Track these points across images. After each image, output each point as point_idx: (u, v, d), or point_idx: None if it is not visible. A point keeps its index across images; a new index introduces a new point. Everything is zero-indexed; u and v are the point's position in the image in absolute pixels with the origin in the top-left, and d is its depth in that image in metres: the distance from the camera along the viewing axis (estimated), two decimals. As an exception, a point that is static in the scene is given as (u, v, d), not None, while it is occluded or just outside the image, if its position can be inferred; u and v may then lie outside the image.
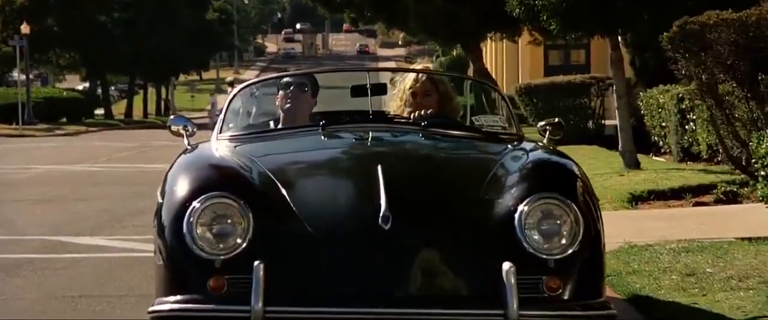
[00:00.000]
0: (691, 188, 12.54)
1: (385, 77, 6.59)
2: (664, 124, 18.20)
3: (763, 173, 9.05)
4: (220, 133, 5.97)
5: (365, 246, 4.65)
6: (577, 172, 5.18)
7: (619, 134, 16.50)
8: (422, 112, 6.06)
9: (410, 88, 6.14)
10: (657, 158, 18.88)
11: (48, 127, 45.22)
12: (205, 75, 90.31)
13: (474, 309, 4.57)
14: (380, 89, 6.19)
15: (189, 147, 5.82)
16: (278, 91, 6.28)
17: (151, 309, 4.79)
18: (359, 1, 33.16)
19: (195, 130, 6.28)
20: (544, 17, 15.98)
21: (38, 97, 51.64)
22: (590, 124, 24.42)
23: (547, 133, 6.29)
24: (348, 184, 5.21)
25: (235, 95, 6.32)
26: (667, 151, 18.63)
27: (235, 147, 5.63)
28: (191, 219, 4.69)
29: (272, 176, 4.99)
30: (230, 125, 6.09)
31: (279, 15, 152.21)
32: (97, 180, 18.08)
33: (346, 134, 5.85)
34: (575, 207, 4.75)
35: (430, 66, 7.01)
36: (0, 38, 54.60)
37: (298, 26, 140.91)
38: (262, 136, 5.97)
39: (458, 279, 4.67)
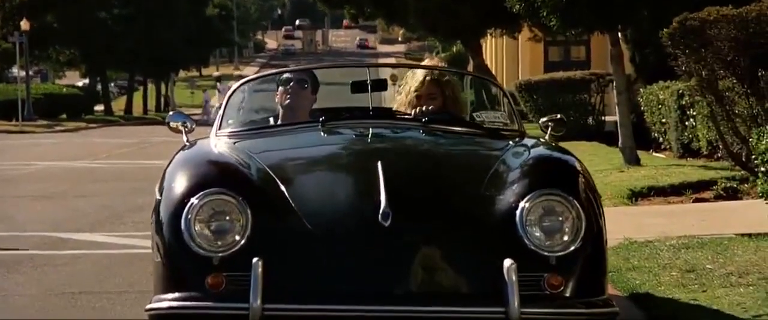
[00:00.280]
0: (691, 184, 12.53)
1: (385, 73, 6.57)
2: (664, 120, 18.18)
3: (763, 169, 9.04)
4: (219, 129, 5.96)
5: (365, 243, 4.63)
6: (579, 168, 5.16)
7: (619, 130, 16.49)
8: (423, 108, 6.03)
9: (415, 91, 6.11)
10: (657, 154, 18.87)
11: (48, 124, 45.20)
12: (205, 71, 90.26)
13: (475, 307, 4.55)
14: (380, 85, 6.17)
15: (187, 143, 5.81)
16: (278, 88, 6.27)
17: (148, 306, 4.77)
18: (359, -3, 33.18)
19: (194, 126, 6.26)
20: (544, 13, 15.97)
21: (38, 94, 51.61)
22: (590, 120, 24.42)
23: (549, 129, 6.27)
24: (348, 181, 5.20)
25: (234, 91, 6.30)
26: (667, 147, 18.62)
27: (234, 143, 5.61)
28: (189, 215, 4.68)
29: (271, 173, 4.98)
30: (229, 121, 6.07)
31: (279, 11, 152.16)
32: (96, 177, 18.07)
33: (346, 130, 5.83)
34: (577, 204, 4.73)
35: (442, 63, 6.98)
36: (0, 34, 54.56)
37: (297, 22, 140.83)
38: (262, 133, 5.96)
39: (459, 276, 4.65)
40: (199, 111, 55.05)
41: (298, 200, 4.77)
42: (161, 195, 4.93)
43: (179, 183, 4.88)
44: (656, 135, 19.02)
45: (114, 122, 53.91)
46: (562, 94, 24.47)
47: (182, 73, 79.88)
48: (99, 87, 66.00)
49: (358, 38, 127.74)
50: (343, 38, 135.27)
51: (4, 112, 45.62)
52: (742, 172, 12.53)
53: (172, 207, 4.77)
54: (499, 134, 5.93)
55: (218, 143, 5.67)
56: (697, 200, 11.82)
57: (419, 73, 6.21)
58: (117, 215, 12.27)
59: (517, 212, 4.70)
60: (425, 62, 6.63)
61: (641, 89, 19.87)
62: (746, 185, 11.94)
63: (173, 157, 5.33)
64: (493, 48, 45.12)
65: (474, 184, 4.95)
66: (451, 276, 4.66)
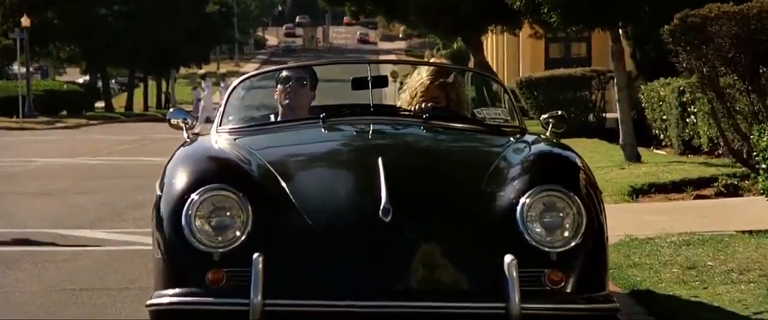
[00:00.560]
0: (692, 181, 12.53)
1: (385, 70, 6.57)
2: (665, 116, 18.18)
3: (763, 166, 9.04)
4: (220, 125, 5.96)
5: (365, 239, 4.63)
6: (580, 164, 5.16)
7: (619, 127, 16.48)
8: (423, 105, 6.03)
9: (421, 95, 6.10)
10: (658, 151, 18.87)
11: (48, 120, 45.19)
12: (206, 68, 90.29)
13: (475, 303, 4.55)
14: (381, 82, 6.17)
15: (188, 139, 5.80)
16: (277, 85, 6.26)
17: (149, 302, 4.77)
18: (360, -7, 33.17)
19: (194, 122, 6.26)
20: (545, 10, 15.97)
21: (38, 90, 51.61)
22: (591, 117, 24.42)
23: (550, 125, 6.27)
24: (348, 177, 5.19)
25: (234, 88, 6.30)
26: (668, 144, 18.62)
27: (235, 139, 5.61)
28: (190, 211, 4.68)
29: (271, 169, 4.97)
30: (230, 118, 6.07)
31: (279, 8, 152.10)
32: (97, 173, 18.07)
33: (347, 127, 5.83)
34: (578, 200, 4.72)
35: (443, 60, 6.98)
36: (0, 31, 54.54)
37: (297, 20, 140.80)
38: (262, 129, 5.95)
39: (459, 272, 4.65)
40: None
41: (298, 196, 4.77)
42: (162, 192, 4.93)
43: (180, 180, 4.88)
44: (657, 132, 19.02)
45: (114, 119, 53.92)
46: (563, 91, 24.47)
47: (183, 70, 79.87)
48: (99, 84, 66.00)
49: (358, 33, 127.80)
50: (343, 35, 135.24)
51: (4, 109, 45.62)
52: (743, 169, 12.53)
53: (173, 203, 4.77)
54: (499, 131, 5.93)
55: (219, 139, 5.67)
56: (697, 197, 11.82)
57: (424, 75, 6.20)
58: (117, 212, 12.26)
59: (518, 208, 4.70)
60: (426, 59, 6.62)
61: (642, 86, 19.87)
62: (747, 182, 11.94)
63: (174, 154, 5.33)
64: (493, 45, 45.12)
65: (475, 180, 4.94)
66: (451, 272, 4.65)
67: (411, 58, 40.02)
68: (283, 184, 4.84)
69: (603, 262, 4.86)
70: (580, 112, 24.02)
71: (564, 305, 4.62)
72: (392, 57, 77.97)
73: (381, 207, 4.59)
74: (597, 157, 16.62)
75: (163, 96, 71.85)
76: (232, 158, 5.15)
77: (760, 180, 9.35)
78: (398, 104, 6.29)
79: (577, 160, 5.21)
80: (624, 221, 9.41)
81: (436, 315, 4.53)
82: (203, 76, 37.13)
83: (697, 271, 7.20)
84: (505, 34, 33.88)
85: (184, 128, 6.16)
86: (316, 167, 5.39)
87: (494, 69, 38.23)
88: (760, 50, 11.49)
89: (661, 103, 18.25)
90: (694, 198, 11.76)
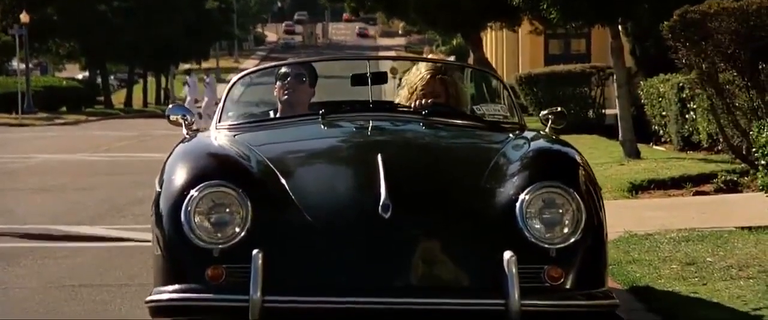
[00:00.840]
0: (692, 177, 12.53)
1: (385, 66, 6.56)
2: (664, 113, 18.18)
3: (763, 162, 9.04)
4: (219, 122, 5.96)
5: (365, 235, 4.63)
6: (580, 161, 5.16)
7: (619, 123, 16.48)
8: (423, 102, 6.03)
9: (421, 89, 6.10)
10: (657, 147, 18.87)
11: (47, 116, 45.17)
12: (205, 64, 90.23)
13: (475, 299, 4.55)
14: (380, 78, 6.17)
15: (187, 136, 5.80)
16: (276, 82, 6.26)
17: (148, 298, 4.77)
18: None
19: (194, 119, 6.26)
20: (544, 6, 15.96)
21: (38, 86, 51.59)
22: (590, 113, 24.41)
23: (550, 122, 6.27)
24: (347, 173, 5.19)
25: (233, 84, 6.30)
26: (668, 140, 18.62)
27: (234, 136, 5.61)
28: (189, 207, 4.68)
29: (271, 165, 4.97)
30: (229, 114, 6.07)
31: (279, 4, 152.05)
32: (96, 170, 18.07)
33: (346, 123, 5.83)
34: (577, 196, 4.73)
35: (443, 56, 6.98)
36: (0, 27, 54.52)
37: (296, 17, 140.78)
38: (261, 125, 5.95)
39: (459, 268, 4.65)
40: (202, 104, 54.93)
41: (298, 192, 4.77)
42: (161, 188, 4.93)
43: (179, 176, 4.88)
44: (656, 128, 19.02)
45: (114, 115, 53.90)
46: (563, 87, 24.46)
47: (182, 66, 79.86)
48: (99, 80, 65.98)
49: (357, 27, 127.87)
50: (343, 31, 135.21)
51: (4, 105, 45.57)
52: (743, 165, 12.53)
53: (172, 200, 4.77)
54: (499, 127, 5.93)
55: (218, 136, 5.67)
56: (697, 193, 11.82)
57: (423, 70, 6.20)
58: (117, 208, 12.27)
59: (517, 204, 4.70)
60: (425, 55, 6.61)
61: (641, 82, 19.87)
62: (746, 178, 11.94)
63: (173, 150, 5.33)
64: (493, 41, 45.11)
65: (474, 177, 4.94)
66: (451, 269, 4.65)
67: (410, 55, 40.05)
68: (283, 181, 4.84)
69: (602, 259, 4.86)
70: (579, 109, 24.02)
71: (563, 301, 4.62)
72: (392, 53, 77.95)
73: (380, 203, 4.59)
74: (596, 153, 16.62)
75: (162, 92, 71.82)
76: (232, 154, 5.15)
77: (760, 176, 9.35)
78: (396, 101, 6.29)
79: (577, 157, 5.21)
80: (623, 217, 9.41)
81: (436, 311, 4.53)
82: (188, 71, 36.82)
83: (696, 267, 7.20)
84: (504, 30, 33.85)
85: (183, 124, 6.16)
86: (315, 163, 5.39)
87: (494, 65, 38.21)
88: (760, 46, 11.49)
89: (660, 99, 18.25)
90: (693, 195, 11.77)
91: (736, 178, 12.02)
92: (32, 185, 15.25)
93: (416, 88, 6.11)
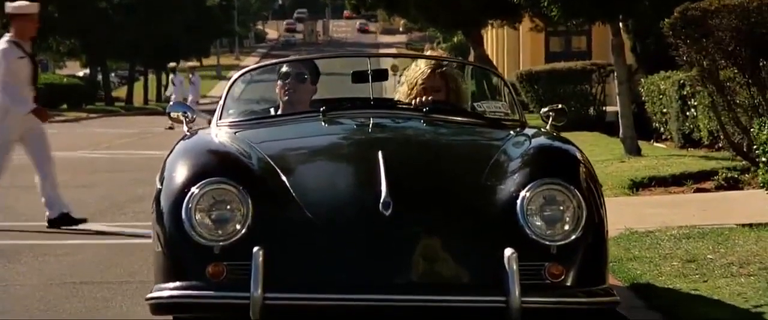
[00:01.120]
0: (692, 174, 12.53)
1: (386, 63, 6.56)
2: (665, 110, 18.18)
3: (764, 159, 9.03)
4: (220, 119, 5.96)
5: (366, 232, 4.63)
6: (580, 158, 5.16)
7: (620, 120, 16.48)
8: (423, 96, 6.03)
9: (422, 83, 6.10)
10: (658, 144, 18.87)
11: (48, 114, 45.14)
12: (206, 61, 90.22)
13: (475, 296, 4.55)
14: (381, 75, 6.17)
15: (188, 133, 5.80)
16: (278, 80, 6.25)
17: (149, 295, 4.77)
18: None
19: (195, 116, 6.26)
20: (545, 3, 15.97)
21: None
22: (591, 110, 24.43)
23: (550, 119, 6.27)
24: (348, 170, 5.19)
25: (234, 81, 6.30)
26: (668, 137, 18.62)
27: (235, 133, 5.61)
28: (190, 205, 4.68)
29: (272, 162, 4.97)
30: (230, 111, 6.06)
31: (280, 1, 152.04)
32: (97, 167, 18.06)
33: (347, 120, 5.83)
34: (578, 193, 4.73)
35: (444, 53, 6.97)
36: (0, 24, 54.51)
37: (295, 15, 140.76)
38: (262, 123, 5.95)
39: (459, 265, 4.65)
40: (202, 101, 54.88)
41: (298, 189, 4.77)
42: (162, 185, 4.93)
43: (180, 173, 4.88)
44: (657, 125, 19.02)
45: (115, 112, 53.89)
46: (563, 85, 24.48)
47: (183, 64, 79.85)
48: (100, 77, 65.97)
49: (358, 23, 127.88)
50: (343, 28, 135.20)
51: (3, 103, 45.53)
52: (743, 162, 12.53)
53: (173, 197, 4.77)
54: (500, 124, 5.93)
55: (219, 133, 5.66)
56: (698, 190, 11.82)
57: (423, 66, 6.20)
58: (117, 205, 12.26)
59: (518, 201, 4.70)
60: (426, 53, 6.60)
61: (642, 79, 19.87)
62: (747, 175, 11.94)
63: (174, 147, 5.33)
64: (494, 38, 45.11)
65: (475, 174, 4.94)
66: (451, 266, 4.65)
67: (411, 52, 40.00)
68: (283, 178, 4.84)
69: (603, 256, 4.86)
70: (580, 106, 24.03)
71: (564, 298, 4.62)
72: (392, 50, 77.96)
73: (381, 200, 4.60)
74: (597, 150, 16.61)
75: (163, 89, 71.78)
76: (232, 151, 5.15)
77: (760, 173, 9.35)
78: (396, 97, 6.28)
79: (578, 154, 5.21)
80: (624, 214, 9.41)
81: (437, 308, 4.54)
82: (173, 70, 36.55)
83: (697, 264, 7.20)
84: (505, 27, 33.85)
85: (184, 121, 6.16)
86: (316, 160, 5.39)
87: (494, 62, 38.21)
88: (760, 43, 11.48)
89: (661, 96, 18.25)
90: (694, 192, 11.76)
91: (736, 175, 12.02)
92: (33, 182, 15.22)
93: (416, 82, 6.11)
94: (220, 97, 6.27)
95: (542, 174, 4.82)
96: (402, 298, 4.52)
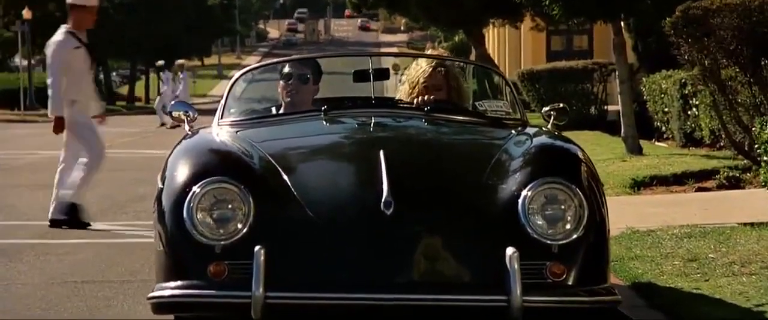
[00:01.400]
0: (694, 173, 12.52)
1: (387, 62, 6.56)
2: (666, 109, 18.17)
3: (765, 158, 9.04)
4: (222, 118, 5.95)
5: (367, 231, 4.63)
6: (582, 157, 5.16)
7: (621, 119, 16.47)
8: (425, 95, 6.03)
9: (424, 82, 6.09)
10: (659, 144, 18.86)
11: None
12: (208, 60, 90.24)
13: (477, 295, 4.55)
14: (383, 74, 6.16)
15: (189, 132, 5.80)
16: (280, 80, 6.24)
17: (151, 295, 4.77)
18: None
19: (196, 115, 6.25)
20: (547, 2, 15.95)
21: (40, 83, 51.55)
22: (592, 109, 24.41)
23: (552, 118, 6.27)
24: (350, 169, 5.19)
25: (235, 80, 6.29)
26: (670, 136, 18.61)
27: (236, 132, 5.60)
28: (191, 204, 4.68)
29: (273, 161, 4.97)
30: (231, 110, 6.06)
31: (281, 0, 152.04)
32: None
33: (349, 119, 5.83)
34: (579, 192, 4.73)
35: (445, 52, 6.97)
36: (2, 23, 54.50)
37: (296, 15, 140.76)
38: (264, 122, 5.95)
39: (461, 264, 4.65)
40: (199, 100, 54.97)
41: (300, 189, 4.77)
42: (163, 184, 4.93)
43: (181, 172, 4.88)
44: (659, 124, 19.00)
45: (116, 111, 53.87)
46: (565, 84, 24.46)
47: (182, 61, 79.78)
48: (101, 76, 65.96)
49: (359, 20, 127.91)
50: (345, 28, 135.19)
51: (6, 102, 45.60)
52: (745, 161, 12.52)
53: (174, 196, 4.77)
54: (501, 123, 5.93)
55: (220, 132, 5.66)
56: (699, 189, 11.81)
57: (425, 64, 6.20)
58: (119, 204, 12.26)
59: (520, 200, 4.70)
60: (427, 52, 6.60)
61: (644, 78, 19.85)
62: (749, 174, 11.93)
63: (175, 146, 5.32)
64: (495, 37, 45.10)
65: (476, 173, 4.94)
66: (453, 265, 4.65)
67: (412, 51, 40.02)
68: (285, 177, 4.84)
69: (604, 255, 4.86)
70: (581, 105, 24.01)
71: (565, 297, 4.62)
72: (394, 50, 77.96)
73: (382, 200, 4.59)
74: (598, 149, 16.61)
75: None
76: (234, 151, 5.15)
77: (762, 172, 9.35)
78: (397, 96, 6.28)
79: (579, 153, 5.21)
80: (625, 213, 9.41)
81: (438, 307, 4.54)
82: (161, 68, 36.38)
83: (698, 263, 7.20)
84: (506, 26, 33.84)
85: (185, 120, 6.16)
86: (317, 160, 5.39)
87: (496, 61, 38.20)
88: (762, 42, 11.48)
89: (662, 95, 18.24)
90: (695, 191, 11.75)
91: (738, 175, 12.01)
92: (34, 181, 15.24)
93: (418, 81, 6.11)
94: (222, 96, 6.27)
95: (544, 173, 4.82)
96: (403, 297, 4.52)
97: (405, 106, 6.06)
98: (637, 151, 15.88)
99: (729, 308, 6.05)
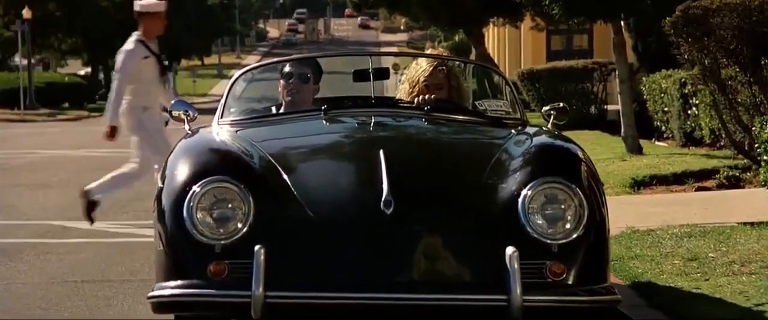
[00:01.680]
0: (694, 173, 12.53)
1: (387, 62, 6.56)
2: (666, 108, 18.17)
3: (765, 158, 9.04)
4: (222, 117, 5.95)
5: (367, 231, 4.63)
6: (582, 156, 5.16)
7: (621, 119, 16.48)
8: (426, 94, 6.03)
9: (424, 81, 6.10)
10: (659, 143, 18.86)
11: (50, 112, 45.17)
12: (207, 60, 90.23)
13: (477, 295, 4.55)
14: (383, 74, 6.17)
15: (189, 132, 5.80)
16: (280, 79, 6.24)
17: (151, 294, 4.77)
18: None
19: (196, 114, 6.26)
20: (547, 2, 15.95)
21: (40, 82, 51.58)
22: (592, 109, 24.41)
23: (552, 117, 6.27)
24: (350, 169, 5.19)
25: (235, 80, 6.29)
26: (670, 136, 18.61)
27: (236, 131, 5.61)
28: (191, 203, 4.68)
29: (273, 161, 4.97)
30: (231, 110, 6.06)
31: (281, 0, 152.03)
32: (99, 165, 18.03)
33: (349, 119, 5.83)
34: (579, 192, 4.72)
35: (445, 51, 6.97)
36: (2, 23, 54.51)
37: (295, 16, 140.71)
38: (264, 121, 5.95)
39: (461, 264, 4.65)
40: (200, 99, 54.94)
41: (300, 188, 4.77)
42: (163, 184, 4.93)
43: (181, 172, 4.88)
44: (658, 124, 19.00)
45: (116, 111, 53.80)
46: (565, 83, 24.46)
47: (184, 62, 79.83)
48: (101, 76, 65.98)
49: (359, 18, 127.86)
50: (345, 27, 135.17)
51: (6, 101, 45.59)
52: (745, 161, 12.52)
53: (174, 195, 4.77)
54: (501, 123, 5.93)
55: (220, 131, 5.66)
56: (699, 189, 11.81)
57: (425, 64, 6.20)
58: (119, 204, 12.26)
59: (520, 200, 4.70)
60: (427, 51, 6.60)
61: (644, 78, 19.85)
62: (749, 174, 11.94)
63: (175, 146, 5.32)
64: (495, 37, 45.09)
65: (476, 172, 4.94)
66: (453, 264, 4.65)
67: (412, 50, 40.05)
68: (285, 176, 4.84)
69: (604, 254, 4.86)
70: (581, 104, 24.01)
71: (565, 297, 4.62)
72: (394, 49, 77.92)
73: (382, 199, 4.59)
74: (598, 149, 16.61)
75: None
76: (234, 150, 5.15)
77: (762, 171, 9.35)
78: (397, 96, 6.29)
79: (579, 152, 5.21)
80: (625, 213, 9.41)
81: (438, 307, 4.53)
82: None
83: (698, 263, 7.20)
84: (506, 26, 33.84)
85: (185, 120, 6.16)
86: (317, 159, 5.39)
87: (496, 61, 38.19)
88: (762, 42, 11.48)
89: (662, 94, 18.24)
90: (695, 190, 11.76)
91: (738, 174, 12.01)
92: (35, 181, 15.26)
93: (418, 80, 6.11)
94: (222, 96, 6.27)
95: (544, 172, 4.82)
96: (403, 297, 4.52)
97: (405, 105, 6.06)
98: (637, 150, 15.88)
99: (729, 307, 6.05)
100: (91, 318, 6.61)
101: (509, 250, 4.53)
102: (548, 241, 4.64)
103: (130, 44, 10.15)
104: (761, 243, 7.70)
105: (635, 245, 7.96)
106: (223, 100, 6.14)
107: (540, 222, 4.67)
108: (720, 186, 11.73)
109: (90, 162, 18.85)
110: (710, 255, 7.43)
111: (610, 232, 4.95)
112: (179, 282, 4.66)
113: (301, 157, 5.35)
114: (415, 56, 6.68)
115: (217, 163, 4.94)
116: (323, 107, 5.77)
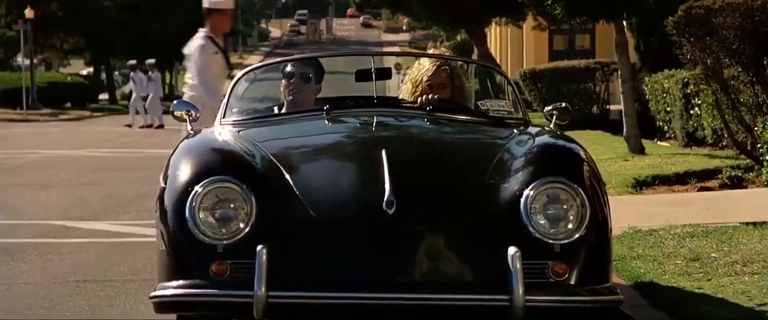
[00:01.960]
0: (696, 173, 12.52)
1: (389, 62, 6.56)
2: (668, 108, 18.16)
3: (767, 157, 9.04)
4: (224, 117, 5.96)
5: (369, 231, 4.62)
6: (584, 156, 5.15)
7: (623, 119, 16.47)
8: (429, 94, 6.03)
9: (427, 81, 6.10)
10: (661, 143, 18.85)
11: (52, 112, 45.17)
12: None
13: (479, 295, 4.55)
14: (385, 74, 6.17)
15: (192, 132, 5.80)
16: (282, 79, 6.25)
17: (153, 294, 4.77)
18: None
19: (198, 114, 6.26)
20: (549, 2, 15.95)
21: (42, 82, 51.59)
22: (595, 108, 24.40)
23: (554, 117, 6.27)
24: (352, 169, 5.19)
25: (238, 80, 6.29)
26: (672, 135, 18.61)
27: (239, 131, 5.61)
28: (193, 203, 4.68)
29: (275, 161, 4.97)
30: (233, 110, 6.06)
31: (283, 0, 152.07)
32: (101, 165, 18.07)
33: (351, 119, 5.83)
34: (582, 192, 4.72)
35: (447, 51, 6.97)
36: (4, 23, 54.53)
37: (296, 16, 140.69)
38: (266, 121, 5.95)
39: (463, 264, 4.65)
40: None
41: (302, 188, 4.77)
42: (165, 184, 4.93)
43: (183, 172, 4.88)
44: (661, 123, 19.00)
45: (119, 110, 53.91)
46: (567, 83, 24.45)
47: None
48: (103, 76, 66.01)
49: (361, 17, 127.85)
50: (347, 27, 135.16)
51: (8, 101, 45.59)
52: (747, 161, 12.52)
53: (177, 195, 4.77)
54: (503, 122, 5.93)
55: (222, 131, 5.66)
56: (701, 189, 11.80)
57: (428, 63, 6.20)
58: (121, 204, 12.27)
59: (522, 200, 4.70)
60: (429, 51, 6.60)
61: (646, 78, 19.86)
62: (751, 174, 11.93)
63: (177, 146, 5.33)
64: (497, 37, 45.09)
65: (478, 172, 4.94)
66: (455, 264, 4.65)
67: (414, 50, 40.09)
68: (287, 176, 4.84)
69: (607, 254, 4.86)
70: (583, 104, 24.00)
71: (568, 297, 4.62)
72: (396, 49, 77.87)
73: (384, 199, 4.59)
74: (601, 148, 16.61)
75: (166, 87, 71.75)
76: (236, 150, 5.15)
77: (764, 171, 9.36)
78: (400, 96, 6.29)
79: (581, 152, 5.21)
80: (628, 213, 9.41)
81: (440, 307, 4.53)
82: (133, 67, 36.13)
83: (700, 263, 7.20)
84: (508, 26, 33.86)
85: (187, 120, 6.16)
86: (319, 159, 5.38)
87: (498, 61, 38.20)
88: (764, 41, 11.48)
89: (665, 94, 18.24)
90: (698, 190, 11.75)
91: (740, 174, 12.01)
92: (37, 180, 15.26)
93: (421, 80, 6.11)
94: (224, 96, 6.27)
95: (546, 172, 4.81)
96: (405, 297, 4.52)
97: (407, 105, 6.06)
98: (639, 150, 15.87)
99: (731, 307, 6.05)
100: (93, 318, 6.61)
101: (511, 250, 4.53)
102: (550, 241, 4.64)
103: (199, 39, 10.18)
104: (764, 243, 7.69)
105: (637, 245, 7.96)
106: (225, 100, 6.14)
107: (542, 222, 4.67)
108: (722, 187, 11.72)
109: (91, 162, 18.87)
110: (713, 255, 7.43)
111: (612, 232, 4.95)
112: (181, 282, 4.66)
113: (303, 156, 5.35)
114: (417, 56, 6.68)
115: (220, 163, 4.94)
116: (325, 107, 5.77)
